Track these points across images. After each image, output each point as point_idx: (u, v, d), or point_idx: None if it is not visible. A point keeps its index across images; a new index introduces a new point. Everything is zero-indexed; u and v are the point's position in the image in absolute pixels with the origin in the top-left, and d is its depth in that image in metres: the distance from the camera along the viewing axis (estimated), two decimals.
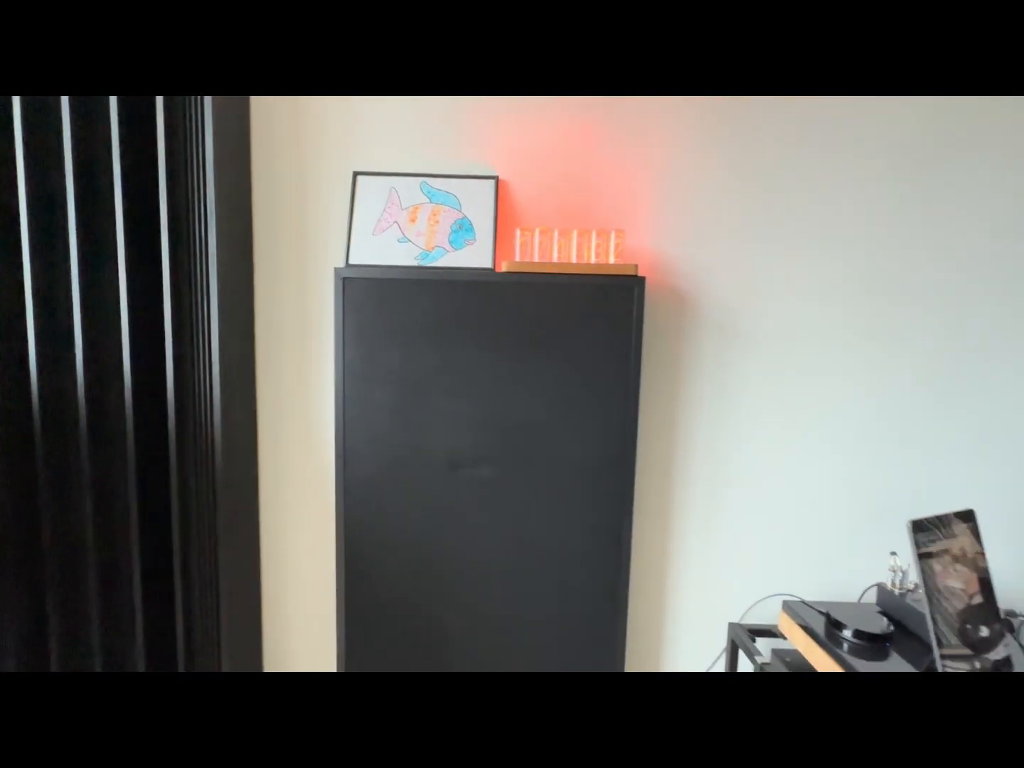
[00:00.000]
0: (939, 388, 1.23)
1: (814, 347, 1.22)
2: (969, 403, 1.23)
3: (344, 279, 1.08)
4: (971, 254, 1.20)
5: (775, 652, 1.09)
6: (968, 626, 0.82)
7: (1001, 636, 0.85)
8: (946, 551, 0.82)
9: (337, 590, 1.14)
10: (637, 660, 1.30)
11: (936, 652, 0.80)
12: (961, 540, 0.84)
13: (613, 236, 1.09)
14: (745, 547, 1.27)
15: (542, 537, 1.13)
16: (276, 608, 1.30)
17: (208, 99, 1.05)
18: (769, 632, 1.19)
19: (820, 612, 1.07)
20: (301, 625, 1.29)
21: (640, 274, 1.11)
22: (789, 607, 1.11)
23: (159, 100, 1.05)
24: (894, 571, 1.10)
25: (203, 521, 1.15)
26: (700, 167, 1.18)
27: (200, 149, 1.07)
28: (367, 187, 1.14)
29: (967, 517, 0.88)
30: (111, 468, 1.16)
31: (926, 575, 0.81)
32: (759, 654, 1.12)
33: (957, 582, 0.81)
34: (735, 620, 1.26)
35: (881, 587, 1.11)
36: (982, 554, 0.87)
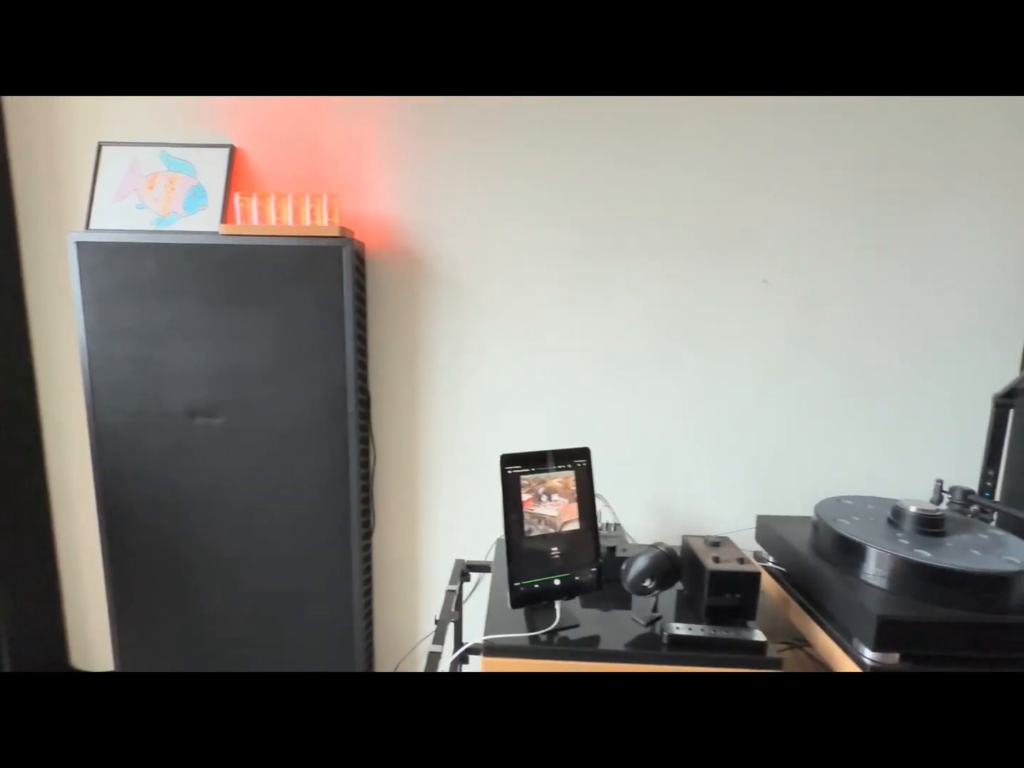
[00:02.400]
0: (659, 341, 1.30)
1: (539, 304, 1.29)
2: (687, 357, 1.30)
3: (78, 243, 1.17)
4: (675, 207, 1.25)
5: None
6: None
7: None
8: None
9: (100, 534, 1.28)
10: (386, 597, 1.42)
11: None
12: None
13: (325, 200, 1.16)
14: (487, 486, 1.36)
15: (275, 480, 1.24)
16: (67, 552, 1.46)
17: None
18: (486, 567, 1.29)
19: None
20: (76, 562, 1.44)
21: (357, 237, 1.21)
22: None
23: None
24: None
25: None
26: (430, 133, 1.24)
27: None
28: (110, 157, 1.22)
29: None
30: None
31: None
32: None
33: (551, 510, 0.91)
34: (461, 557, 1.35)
35: None
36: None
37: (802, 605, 1.01)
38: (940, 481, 1.17)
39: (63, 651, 1.50)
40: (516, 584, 0.87)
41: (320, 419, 1.21)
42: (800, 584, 1.04)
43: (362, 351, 1.25)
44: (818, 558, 0.99)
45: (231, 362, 1.20)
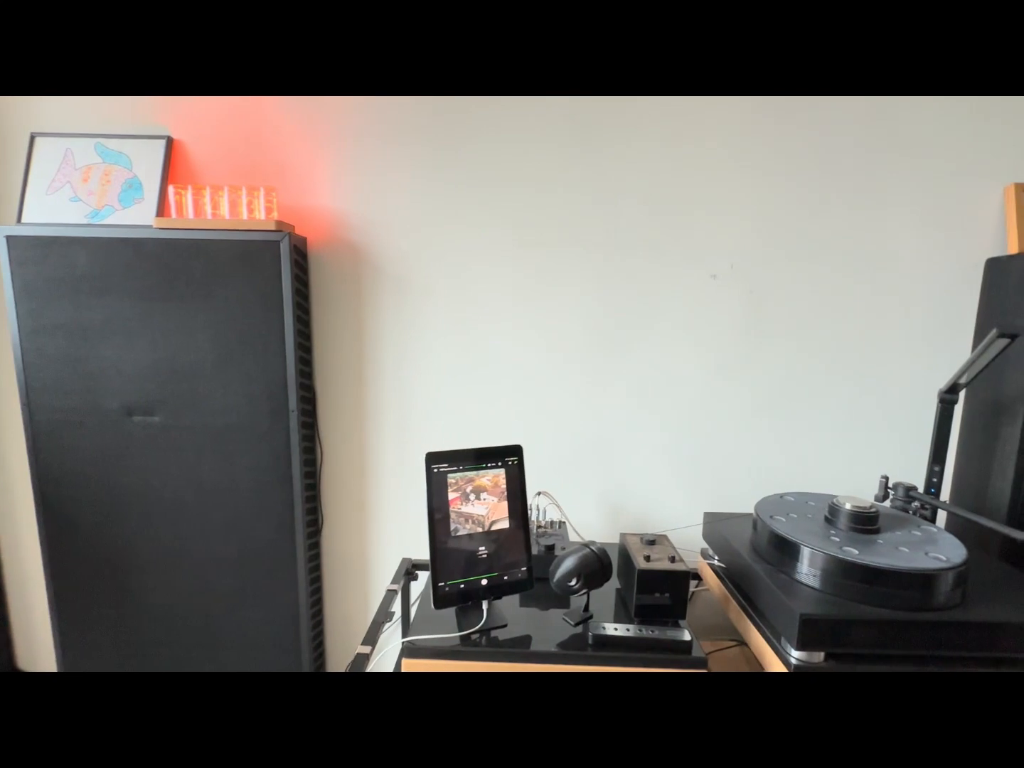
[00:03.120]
0: (608, 337, 1.28)
1: (485, 300, 1.27)
2: (636, 354, 1.29)
3: (8, 237, 1.14)
4: (621, 203, 1.24)
5: None
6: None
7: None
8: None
9: (39, 534, 1.25)
10: (338, 595, 1.40)
11: None
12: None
13: (262, 193, 1.13)
14: None
15: (216, 478, 1.21)
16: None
17: None
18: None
19: None
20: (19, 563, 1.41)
21: (299, 231, 1.19)
22: None
23: None
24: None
25: None
26: (374, 128, 1.21)
27: None
28: (43, 148, 1.19)
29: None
30: None
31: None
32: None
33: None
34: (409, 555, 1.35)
35: None
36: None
37: (740, 604, 1.00)
38: (885, 477, 1.16)
39: (10, 653, 1.48)
40: (440, 584, 0.85)
41: (261, 416, 1.19)
42: (738, 582, 1.03)
43: (304, 347, 1.23)
44: (755, 556, 0.98)
45: (169, 358, 1.17)
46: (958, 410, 1.30)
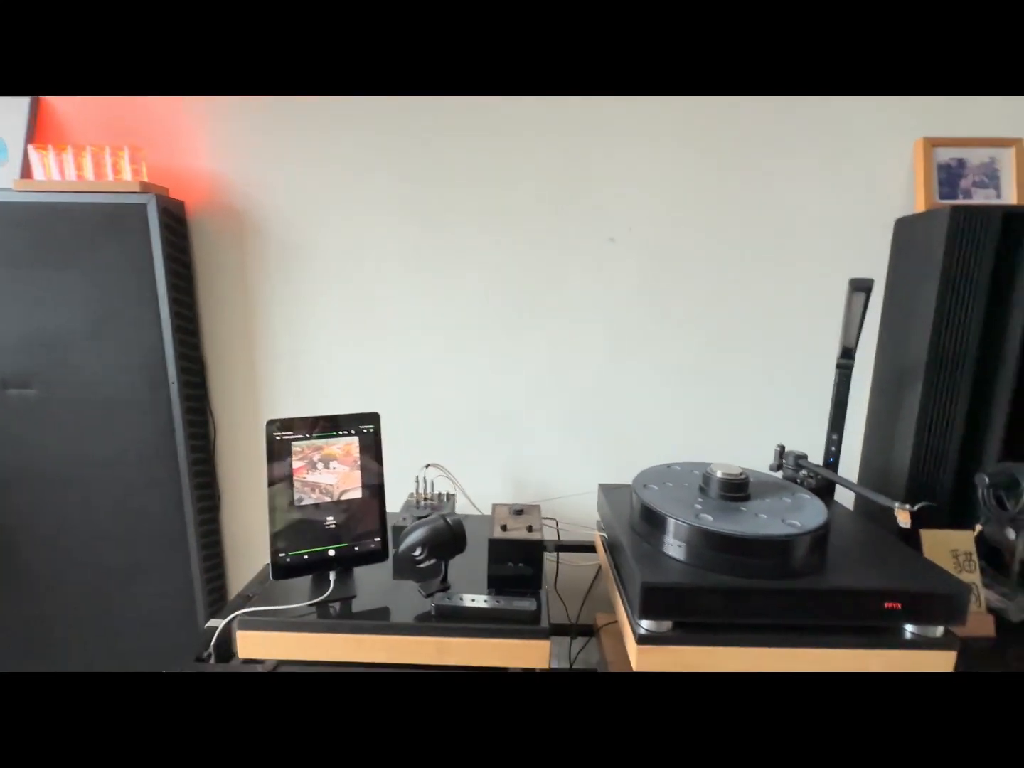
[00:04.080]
0: (506, 305, 1.24)
1: (377, 265, 1.22)
2: (535, 322, 1.24)
3: None
4: (517, 170, 1.18)
5: None
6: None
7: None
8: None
9: None
10: (242, 573, 1.37)
11: None
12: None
13: (127, 152, 1.08)
14: None
15: (96, 453, 1.18)
16: None
17: None
18: None
19: None
20: None
21: (175, 194, 1.15)
22: None
23: None
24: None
25: None
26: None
27: None
28: None
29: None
30: None
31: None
32: None
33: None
34: None
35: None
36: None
37: (613, 576, 0.98)
38: (781, 447, 1.12)
39: None
40: (281, 555, 0.83)
41: (140, 388, 1.15)
42: (614, 555, 1.01)
43: (185, 316, 1.18)
44: (628, 527, 0.95)
45: (41, 329, 1.13)
46: (866, 379, 1.26)
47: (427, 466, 1.17)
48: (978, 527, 1.04)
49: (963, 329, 1.05)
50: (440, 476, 1.17)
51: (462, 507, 1.16)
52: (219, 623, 0.89)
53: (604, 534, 1.09)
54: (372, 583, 0.91)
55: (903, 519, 0.78)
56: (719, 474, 0.91)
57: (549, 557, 1.33)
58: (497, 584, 0.86)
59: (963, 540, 0.99)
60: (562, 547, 1.22)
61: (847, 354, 1.07)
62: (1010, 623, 0.96)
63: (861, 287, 0.96)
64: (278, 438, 0.83)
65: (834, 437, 1.13)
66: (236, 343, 1.27)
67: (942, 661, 0.79)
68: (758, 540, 0.77)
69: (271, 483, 0.82)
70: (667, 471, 1.05)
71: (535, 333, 1.25)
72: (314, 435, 0.85)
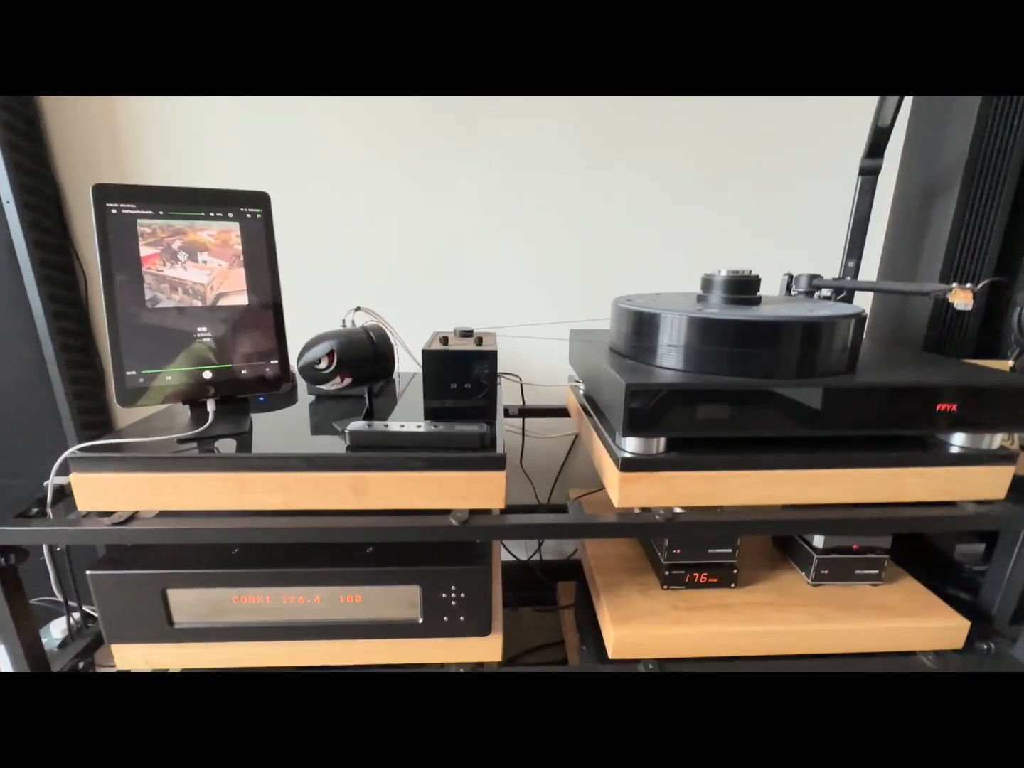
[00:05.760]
0: (454, 119, 0.98)
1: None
2: (484, 133, 0.99)
3: None
4: None
5: None
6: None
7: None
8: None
9: None
10: None
11: None
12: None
13: None
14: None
15: None
16: None
17: None
18: None
19: None
20: None
21: None
22: None
23: None
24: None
25: None
26: None
27: None
28: None
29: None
30: None
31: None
32: None
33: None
34: None
35: None
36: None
37: (588, 416, 0.79)
38: (789, 275, 0.93)
39: None
40: (130, 373, 0.60)
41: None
42: (591, 395, 0.81)
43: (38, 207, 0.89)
44: (610, 354, 0.75)
45: None
46: (886, 199, 1.06)
47: (356, 309, 0.93)
48: (1010, 362, 0.89)
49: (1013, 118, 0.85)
50: (372, 322, 0.95)
51: (403, 368, 0.94)
52: (64, 479, 0.67)
53: (580, 383, 0.89)
54: (274, 423, 0.69)
55: (963, 299, 0.60)
56: (723, 272, 0.71)
57: (513, 426, 1.14)
58: (440, 412, 0.65)
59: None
60: (527, 411, 1.02)
61: (875, 151, 0.86)
62: None
63: None
64: (113, 211, 0.59)
65: (850, 265, 0.94)
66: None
67: (998, 480, 0.63)
68: (782, 324, 0.58)
69: (106, 275, 0.58)
70: (656, 297, 0.85)
71: (488, 145, 1.00)
72: (170, 213, 0.61)
